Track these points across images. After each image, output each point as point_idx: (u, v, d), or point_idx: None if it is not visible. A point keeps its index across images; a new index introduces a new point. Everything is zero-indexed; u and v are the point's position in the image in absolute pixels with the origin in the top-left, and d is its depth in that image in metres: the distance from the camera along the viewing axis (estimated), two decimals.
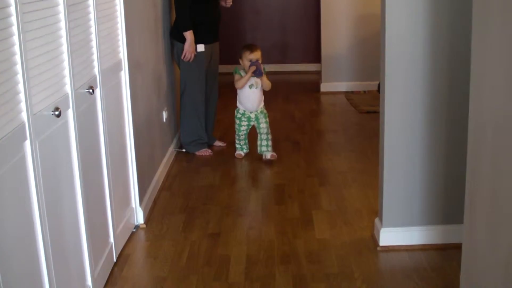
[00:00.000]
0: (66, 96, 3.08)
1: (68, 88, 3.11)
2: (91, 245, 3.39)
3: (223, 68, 7.64)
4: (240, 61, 5.78)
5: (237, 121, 5.92)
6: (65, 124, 3.10)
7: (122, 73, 4.21)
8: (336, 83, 8.86)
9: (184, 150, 6.19)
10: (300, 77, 9.95)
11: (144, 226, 4.49)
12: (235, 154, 6.02)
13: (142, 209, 4.50)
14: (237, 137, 5.99)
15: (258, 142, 5.87)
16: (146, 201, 4.66)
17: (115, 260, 3.92)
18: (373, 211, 4.56)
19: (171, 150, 5.95)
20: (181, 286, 3.65)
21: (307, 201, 4.90)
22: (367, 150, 6.16)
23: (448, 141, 3.94)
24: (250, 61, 5.66)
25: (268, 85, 5.82)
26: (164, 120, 5.63)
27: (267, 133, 5.82)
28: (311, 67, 10.37)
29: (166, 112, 5.71)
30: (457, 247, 3.89)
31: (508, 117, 2.21)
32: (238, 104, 5.91)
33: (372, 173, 5.36)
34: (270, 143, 5.86)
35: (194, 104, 6.05)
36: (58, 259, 2.90)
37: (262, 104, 5.90)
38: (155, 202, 4.94)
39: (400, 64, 3.84)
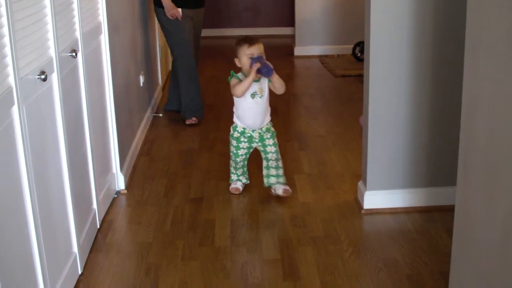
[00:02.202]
0: (50, 59, 3.02)
1: (52, 52, 3.05)
2: (76, 211, 3.35)
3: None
4: (236, 61, 4.16)
5: (234, 142, 4.26)
6: (50, 88, 3.04)
7: (102, 36, 4.14)
8: (310, 47, 8.83)
9: (160, 115, 6.14)
10: (274, 41, 9.89)
11: (126, 191, 4.45)
12: (230, 188, 4.42)
13: (123, 174, 4.46)
14: (232, 163, 4.38)
15: (264, 172, 4.32)
16: (126, 166, 4.61)
17: (98, 227, 3.88)
18: (355, 175, 4.57)
19: (147, 115, 5.89)
20: (166, 251, 3.62)
21: (288, 166, 4.88)
22: (344, 114, 6.16)
23: (434, 104, 3.93)
24: (251, 57, 4.06)
25: (281, 86, 4.18)
26: (141, 85, 5.57)
27: (276, 159, 4.28)
28: (284, 30, 10.33)
29: (143, 76, 5.64)
30: (441, 209, 3.96)
31: (507, 76, 2.20)
32: (235, 119, 4.24)
33: (351, 137, 5.37)
34: (281, 172, 4.30)
35: (189, 69, 5.84)
36: (46, 226, 2.86)
37: (269, 118, 4.27)
38: (134, 167, 4.90)
39: (385, 26, 3.80)
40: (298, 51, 8.86)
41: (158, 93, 6.76)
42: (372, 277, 3.30)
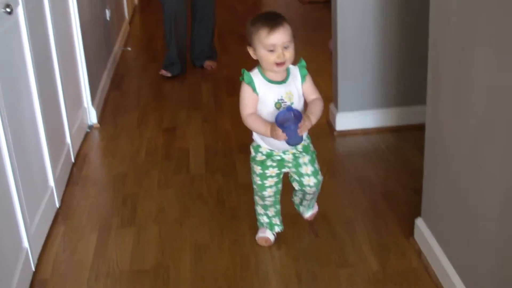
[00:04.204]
0: None
1: None
2: (50, 145, 3.35)
3: None
4: (250, 51, 2.66)
5: (257, 169, 2.85)
6: (16, 22, 3.00)
7: None
8: None
9: (129, 49, 6.10)
10: None
11: (98, 125, 4.45)
12: (257, 237, 3.02)
13: (94, 108, 4.44)
14: (258, 201, 2.96)
15: (296, 199, 3.09)
16: (97, 100, 4.60)
17: (73, 161, 3.89)
18: (326, 99, 4.57)
19: (116, 50, 5.84)
20: (142, 181, 3.65)
21: None
22: (313, 39, 6.16)
23: (401, 23, 3.94)
24: (270, 50, 2.55)
25: (319, 113, 2.74)
26: (108, 19, 5.51)
27: (316, 192, 2.96)
28: None
29: (109, 11, 5.58)
30: (412, 128, 4.01)
31: None
32: (255, 137, 2.83)
33: (321, 62, 5.37)
34: (314, 200, 3.09)
35: (168, 19, 5.26)
36: (21, 161, 2.85)
37: (306, 132, 2.73)
38: (106, 102, 4.89)
39: None
40: None
41: (125, 27, 6.70)
42: (347, 196, 3.36)
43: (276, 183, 2.85)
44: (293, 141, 2.57)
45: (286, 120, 2.52)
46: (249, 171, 3.60)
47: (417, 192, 3.08)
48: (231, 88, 4.99)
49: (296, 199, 3.07)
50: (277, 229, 3.01)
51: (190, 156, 3.91)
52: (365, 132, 4.09)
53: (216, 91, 5.02)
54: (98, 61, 4.91)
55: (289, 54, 2.57)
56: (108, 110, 4.74)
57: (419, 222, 2.87)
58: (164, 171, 3.75)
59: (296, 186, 2.89)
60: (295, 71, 2.69)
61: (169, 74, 5.37)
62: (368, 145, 3.94)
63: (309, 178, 2.83)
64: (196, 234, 3.10)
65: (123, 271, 2.85)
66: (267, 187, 2.85)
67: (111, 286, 2.75)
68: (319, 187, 2.90)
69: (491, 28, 2.06)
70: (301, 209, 3.10)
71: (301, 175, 2.83)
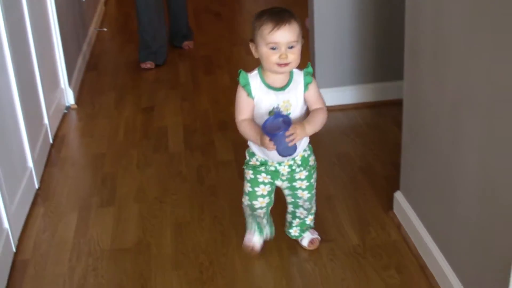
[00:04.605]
0: None
1: None
2: (28, 126, 3.34)
3: None
4: (252, 48, 2.40)
5: (249, 174, 2.59)
6: None
7: None
8: None
9: (105, 29, 6.06)
10: None
11: (76, 106, 4.43)
12: (244, 242, 2.78)
13: (71, 89, 4.42)
14: (247, 208, 2.68)
15: (289, 219, 2.78)
16: (74, 81, 4.57)
17: (51, 142, 3.87)
18: None
19: (92, 30, 5.81)
20: (121, 160, 3.64)
21: (236, 70, 4.85)
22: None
23: (378, 0, 3.96)
24: (273, 48, 2.30)
25: (318, 123, 2.45)
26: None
27: (308, 209, 2.72)
28: None
29: None
30: (389, 103, 4.05)
31: None
32: (250, 144, 2.56)
33: None
34: (310, 220, 2.78)
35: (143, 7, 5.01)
36: None
37: (306, 142, 2.57)
38: (83, 82, 4.86)
39: None
40: None
41: (100, 7, 6.65)
42: (326, 172, 3.37)
43: (269, 193, 2.58)
44: (283, 151, 2.29)
45: (276, 128, 2.25)
46: (228, 148, 3.64)
47: (396, 166, 3.11)
48: (208, 67, 4.99)
49: (289, 219, 2.76)
50: (269, 234, 2.77)
51: (169, 135, 3.91)
52: (343, 108, 4.11)
53: (193, 70, 5.00)
54: (74, 42, 4.88)
55: (293, 55, 2.30)
56: (85, 90, 4.72)
57: (398, 196, 2.90)
58: (143, 150, 3.75)
59: (288, 198, 2.66)
60: (298, 77, 2.40)
61: (152, 65, 5.11)
62: (346, 121, 3.96)
63: (303, 191, 2.60)
64: (176, 211, 3.11)
65: (104, 250, 2.85)
66: (258, 196, 2.56)
67: (93, 265, 2.75)
68: (313, 202, 2.68)
69: (466, 2, 2.07)
70: (296, 233, 2.76)
71: (294, 188, 2.59)
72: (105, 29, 6.05)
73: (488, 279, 2.10)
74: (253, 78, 2.40)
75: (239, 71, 2.40)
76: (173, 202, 3.19)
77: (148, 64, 5.07)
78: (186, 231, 2.95)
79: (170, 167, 3.53)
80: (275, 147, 2.28)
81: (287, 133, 2.25)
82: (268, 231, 2.77)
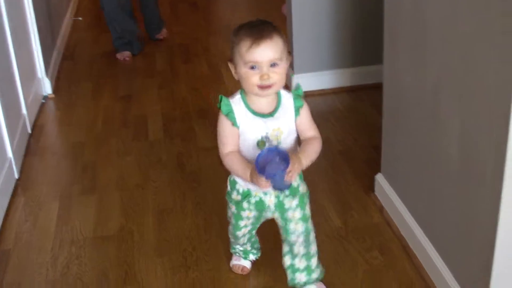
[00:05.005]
0: None
1: None
2: (7, 116, 3.31)
3: None
4: (231, 67, 2.09)
5: (232, 207, 2.33)
6: None
7: None
8: None
9: (80, 19, 6.02)
10: None
11: (53, 96, 4.40)
12: (232, 266, 2.60)
13: (48, 79, 4.39)
14: (231, 237, 2.51)
15: (287, 261, 2.35)
16: (51, 71, 4.54)
17: (30, 132, 3.85)
18: None
19: (67, 20, 5.77)
20: (101, 149, 3.63)
21: (213, 59, 4.90)
22: (265, 5, 6.15)
23: None
24: (252, 67, 1.98)
25: (313, 154, 2.13)
26: None
27: (306, 242, 2.30)
28: None
29: None
30: (368, 87, 4.06)
31: None
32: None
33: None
34: (315, 262, 2.35)
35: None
36: None
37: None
38: (59, 72, 4.83)
39: None
40: None
41: None
42: None
43: (254, 224, 2.35)
44: (279, 187, 2.00)
45: (269, 163, 1.94)
46: (208, 135, 3.64)
47: (376, 149, 3.13)
48: (185, 56, 4.98)
49: (287, 261, 2.34)
50: (253, 257, 2.58)
51: (148, 123, 3.90)
52: (321, 93, 4.12)
53: (170, 59, 4.99)
54: (50, 32, 4.84)
55: (277, 75, 1.97)
56: (62, 80, 4.69)
57: (379, 178, 2.92)
58: (123, 138, 3.73)
59: (282, 234, 2.29)
60: (287, 100, 2.09)
61: (128, 57, 5.07)
62: (325, 106, 3.97)
63: (296, 224, 2.25)
64: (158, 198, 3.10)
65: (87, 238, 2.84)
66: (242, 227, 2.35)
67: (76, 253, 2.74)
68: (311, 238, 2.29)
69: None
70: (300, 279, 2.34)
71: (286, 220, 2.25)
72: (80, 19, 6.01)
73: (472, 258, 2.13)
74: (236, 104, 2.07)
75: (219, 96, 2.07)
76: (154, 189, 3.18)
77: (125, 55, 5.03)
78: (168, 217, 2.95)
79: (150, 154, 3.52)
80: (270, 185, 1.97)
81: (287, 170, 1.95)
82: (253, 256, 2.58)
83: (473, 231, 2.09)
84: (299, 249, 2.29)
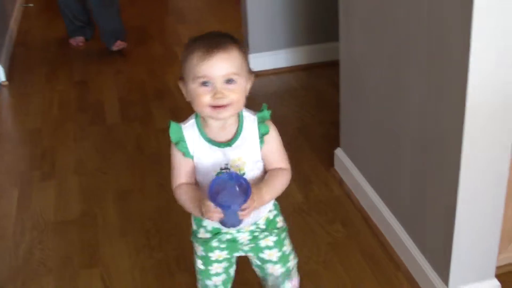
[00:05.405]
0: None
1: None
2: None
3: None
4: (180, 85, 1.72)
5: (198, 249, 1.93)
6: None
7: None
8: None
9: (31, 5, 5.94)
10: None
11: (7, 83, 4.34)
12: None
13: (1, 66, 4.33)
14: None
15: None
16: (4, 58, 4.48)
17: None
18: None
19: (18, 6, 5.69)
20: (58, 135, 3.59)
21: (168, 40, 4.88)
22: None
23: None
24: (204, 83, 1.63)
25: (278, 187, 1.78)
26: None
27: (287, 277, 2.01)
28: None
29: None
30: (324, 65, 4.09)
31: None
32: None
33: (229, 7, 5.37)
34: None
35: None
36: None
37: (272, 200, 1.89)
38: (12, 59, 4.76)
39: None
40: None
41: None
42: None
43: (227, 269, 1.95)
44: (231, 223, 1.66)
45: (225, 191, 1.61)
46: (166, 115, 3.63)
47: (334, 125, 3.15)
48: (140, 38, 4.95)
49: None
50: None
51: (105, 107, 3.87)
52: (277, 72, 4.14)
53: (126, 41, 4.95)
54: (1, 18, 4.78)
55: (234, 94, 1.64)
56: (15, 67, 4.62)
57: (338, 152, 2.94)
58: (79, 123, 3.71)
59: (258, 272, 2.02)
60: (251, 124, 1.74)
61: (81, 42, 4.98)
62: (281, 84, 3.99)
63: (273, 266, 1.95)
64: (118, 181, 3.09)
65: (48, 223, 2.82)
66: (212, 275, 1.94)
67: (38, 238, 2.72)
68: (293, 272, 2.02)
69: None
70: None
71: (263, 261, 1.94)
72: (31, 5, 5.93)
73: (433, 227, 2.16)
74: (189, 130, 1.74)
75: (169, 122, 1.76)
76: (114, 172, 3.17)
77: (78, 40, 4.96)
78: (130, 200, 2.94)
79: (108, 138, 3.50)
80: (221, 218, 1.62)
81: (244, 206, 1.60)
82: None
83: (433, 200, 2.13)
84: (274, 284, 2.01)
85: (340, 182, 2.91)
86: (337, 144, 2.98)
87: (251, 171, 1.75)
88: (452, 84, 1.86)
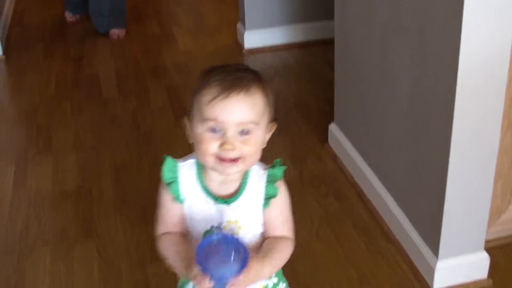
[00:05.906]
0: None
1: None
2: None
3: None
4: (185, 121, 1.40)
5: None
6: None
7: None
8: None
9: None
10: None
11: (4, 57, 4.33)
12: None
13: None
14: None
15: None
16: (0, 37, 4.49)
17: None
18: (231, 23, 4.57)
19: None
20: (55, 111, 3.60)
21: (165, 19, 4.89)
22: None
23: None
24: (213, 129, 1.32)
25: (279, 260, 1.45)
26: None
27: None
28: None
29: None
30: (320, 43, 4.11)
31: None
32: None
33: None
34: None
35: None
36: None
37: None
38: (8, 38, 4.75)
39: None
40: None
41: None
42: None
43: None
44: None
45: (217, 256, 1.29)
46: (162, 94, 3.65)
47: (329, 101, 3.17)
48: (137, 17, 4.94)
49: None
50: None
51: (101, 82, 3.88)
52: (273, 49, 4.14)
53: None
54: None
55: (247, 147, 1.35)
56: (12, 46, 4.62)
57: (333, 128, 2.96)
58: (76, 99, 3.72)
59: None
60: (257, 182, 1.45)
61: (77, 19, 4.92)
62: (277, 61, 4.00)
63: None
64: (114, 157, 3.11)
65: (45, 198, 2.84)
66: None
67: (34, 213, 2.74)
68: None
69: None
70: None
71: None
72: None
73: (424, 200, 2.18)
74: (186, 171, 1.44)
75: (163, 156, 1.44)
76: (110, 149, 3.19)
77: (75, 17, 4.94)
78: (126, 176, 2.96)
79: (104, 113, 3.52)
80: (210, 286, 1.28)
81: (237, 279, 1.28)
82: None
83: (424, 173, 2.15)
84: None
85: (334, 157, 2.93)
86: (331, 120, 3.00)
87: (246, 235, 1.43)
88: (442, 57, 1.88)
